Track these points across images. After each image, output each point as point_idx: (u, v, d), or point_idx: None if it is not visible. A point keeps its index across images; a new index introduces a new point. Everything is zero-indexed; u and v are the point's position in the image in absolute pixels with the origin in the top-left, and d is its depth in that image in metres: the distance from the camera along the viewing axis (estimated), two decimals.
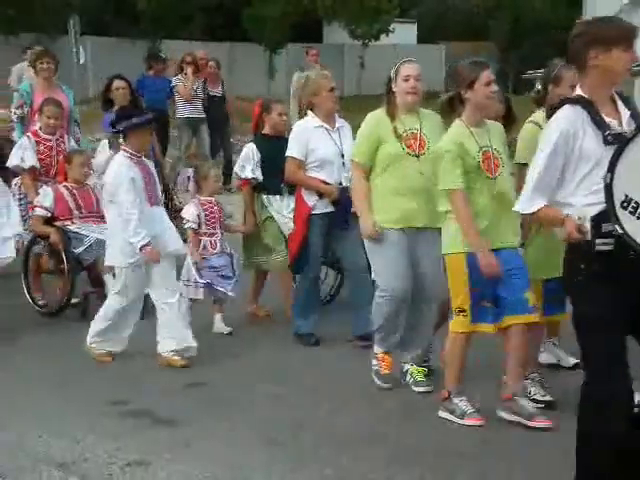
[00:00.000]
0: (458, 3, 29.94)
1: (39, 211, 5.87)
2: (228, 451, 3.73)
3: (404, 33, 24.92)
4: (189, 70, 9.07)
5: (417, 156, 4.33)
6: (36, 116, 6.50)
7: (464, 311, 3.90)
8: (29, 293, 6.00)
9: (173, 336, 4.79)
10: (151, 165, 5.02)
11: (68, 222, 5.84)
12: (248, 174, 5.52)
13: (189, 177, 5.62)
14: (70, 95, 7.00)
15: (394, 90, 4.39)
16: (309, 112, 5.17)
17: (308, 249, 5.13)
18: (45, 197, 5.88)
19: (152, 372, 4.76)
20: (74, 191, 5.94)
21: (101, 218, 5.74)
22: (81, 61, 14.93)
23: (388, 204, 4.34)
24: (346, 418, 4.10)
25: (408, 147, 4.34)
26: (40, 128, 6.23)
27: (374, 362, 4.53)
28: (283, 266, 5.49)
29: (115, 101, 6.80)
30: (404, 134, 4.35)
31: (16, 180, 6.19)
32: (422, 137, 4.35)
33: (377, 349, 4.53)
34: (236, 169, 5.65)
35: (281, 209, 5.58)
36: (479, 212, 3.90)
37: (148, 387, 4.53)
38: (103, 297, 5.42)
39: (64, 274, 5.72)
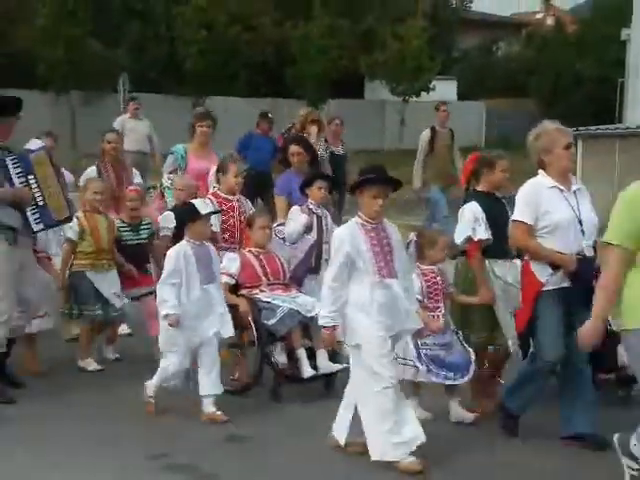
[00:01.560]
0: (498, 60, 30.22)
1: (225, 278, 5.21)
2: None
3: (444, 89, 25.16)
4: (313, 129, 8.38)
5: None
6: (211, 177, 5.94)
7: None
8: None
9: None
10: (394, 232, 4.29)
11: (256, 290, 5.27)
12: (482, 235, 4.76)
13: (410, 242, 4.89)
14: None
15: None
16: (540, 171, 4.48)
17: (539, 333, 4.34)
18: (231, 263, 5.32)
19: (193, 426, 4.72)
20: (260, 257, 5.40)
21: (286, 286, 5.38)
22: None
23: None
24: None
25: None
26: (218, 188, 5.74)
27: (633, 465, 3.73)
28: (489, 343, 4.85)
29: (293, 164, 6.28)
30: None
31: None
32: None
33: None
34: (465, 232, 4.82)
35: (505, 275, 4.82)
36: None
37: (188, 441, 4.49)
38: (296, 379, 5.07)
39: (254, 348, 5.19)
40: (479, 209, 4.82)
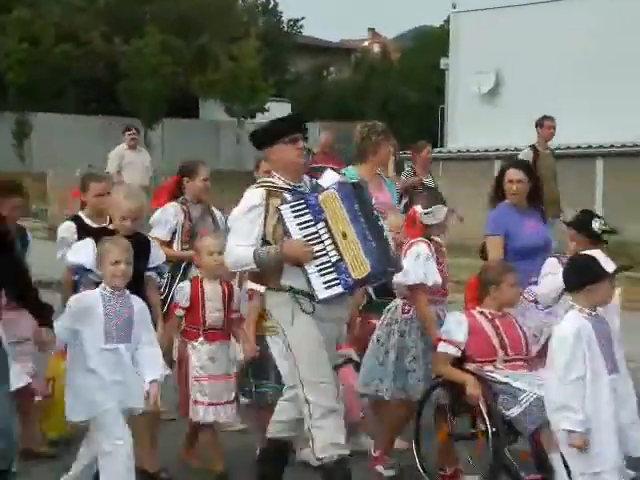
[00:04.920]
0: (330, 84, 31.28)
1: (448, 348, 4.02)
2: None
3: (279, 111, 25.65)
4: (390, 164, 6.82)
5: None
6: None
7: None
8: (419, 459, 4.16)
9: None
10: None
11: (489, 367, 3.96)
12: None
13: None
14: (393, 189, 5.43)
15: None
16: None
17: None
18: (456, 328, 4.05)
19: None
20: (496, 321, 4.06)
21: (529, 363, 4.06)
22: None
23: None
24: None
25: None
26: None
27: None
28: None
29: (509, 195, 4.78)
30: None
31: (399, 303, 4.28)
32: None
33: None
34: None
35: None
36: None
37: None
38: None
39: (487, 443, 3.85)
40: None
